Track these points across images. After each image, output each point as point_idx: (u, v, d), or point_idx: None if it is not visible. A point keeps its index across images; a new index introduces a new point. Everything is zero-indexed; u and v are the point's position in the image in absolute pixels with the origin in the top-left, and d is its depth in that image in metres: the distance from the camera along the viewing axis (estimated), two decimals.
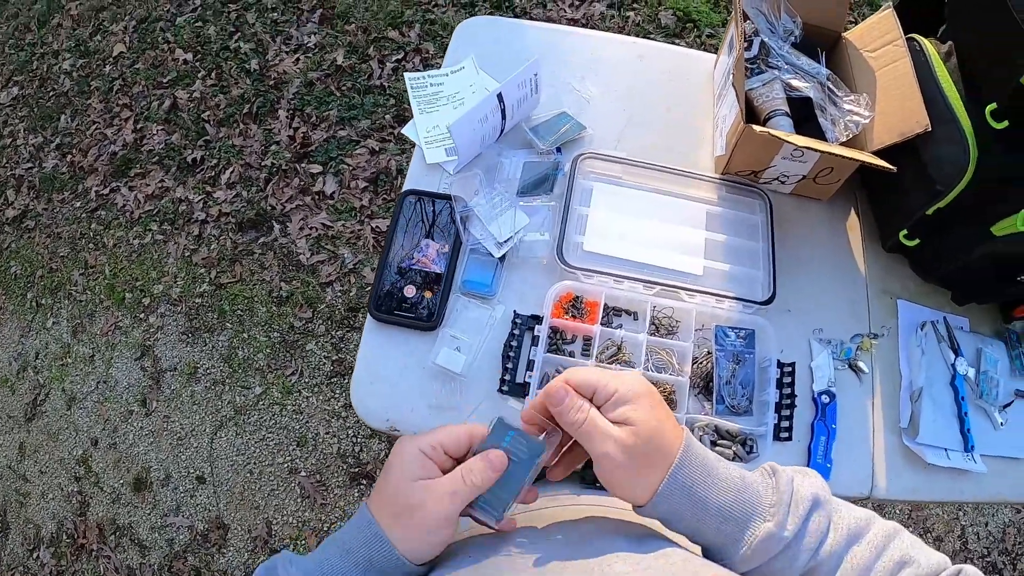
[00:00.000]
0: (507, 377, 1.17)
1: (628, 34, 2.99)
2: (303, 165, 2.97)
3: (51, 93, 3.53)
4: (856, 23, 1.35)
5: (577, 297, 1.20)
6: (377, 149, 2.94)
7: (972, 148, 1.09)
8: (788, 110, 1.29)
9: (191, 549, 2.57)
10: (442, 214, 1.28)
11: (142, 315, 2.91)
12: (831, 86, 1.30)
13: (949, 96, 1.14)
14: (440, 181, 1.33)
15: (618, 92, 1.46)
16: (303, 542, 2.49)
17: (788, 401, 1.17)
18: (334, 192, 2.90)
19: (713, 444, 1.13)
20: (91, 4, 3.68)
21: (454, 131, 1.20)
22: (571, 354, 1.19)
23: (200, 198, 3.03)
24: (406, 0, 3.25)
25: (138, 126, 3.26)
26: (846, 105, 1.27)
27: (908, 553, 0.66)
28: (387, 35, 3.16)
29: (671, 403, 1.15)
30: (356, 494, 2.53)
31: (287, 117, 3.08)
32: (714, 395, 1.16)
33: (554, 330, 1.19)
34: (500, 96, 1.23)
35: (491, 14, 3.07)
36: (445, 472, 0.68)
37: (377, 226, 2.82)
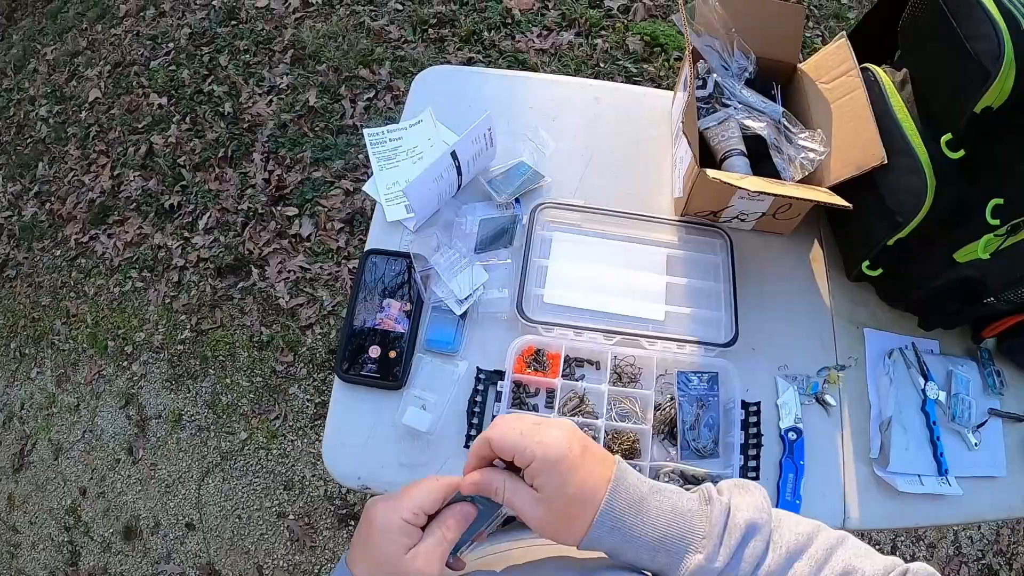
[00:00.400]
0: (472, 433, 1.18)
1: (597, 62, 3.03)
2: (279, 208, 2.97)
3: (28, 140, 3.53)
4: (822, 38, 1.36)
5: (539, 350, 1.21)
6: (351, 189, 2.95)
7: (930, 178, 1.11)
8: (744, 149, 1.31)
9: None
10: (405, 272, 1.29)
11: (125, 363, 2.90)
12: (786, 123, 1.32)
13: (905, 127, 1.15)
14: (401, 238, 1.35)
15: (576, 136, 1.47)
16: None
17: (755, 441, 1.18)
18: (311, 234, 2.90)
19: None
20: (66, 49, 3.69)
21: (409, 193, 1.21)
22: (535, 407, 1.20)
23: (178, 244, 3.03)
24: (376, 38, 3.27)
25: (115, 172, 3.26)
26: (801, 141, 1.28)
27: (851, 563, 0.67)
28: (358, 74, 3.17)
29: (635, 452, 1.16)
30: (345, 535, 2.52)
31: (262, 160, 3.09)
32: (678, 440, 1.17)
33: (517, 384, 1.20)
34: (454, 154, 1.24)
35: (460, 49, 3.11)
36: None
37: (354, 267, 2.81)
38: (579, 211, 1.34)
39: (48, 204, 3.32)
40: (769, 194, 1.15)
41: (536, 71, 2.96)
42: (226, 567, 2.56)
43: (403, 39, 3.25)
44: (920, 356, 1.29)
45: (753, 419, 1.19)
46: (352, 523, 2.53)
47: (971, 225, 1.12)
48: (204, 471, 2.68)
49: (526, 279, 1.24)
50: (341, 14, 3.37)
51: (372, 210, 2.75)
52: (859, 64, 1.25)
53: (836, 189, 1.22)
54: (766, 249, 1.36)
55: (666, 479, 1.14)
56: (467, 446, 1.18)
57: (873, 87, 1.22)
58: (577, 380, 1.20)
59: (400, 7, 3.34)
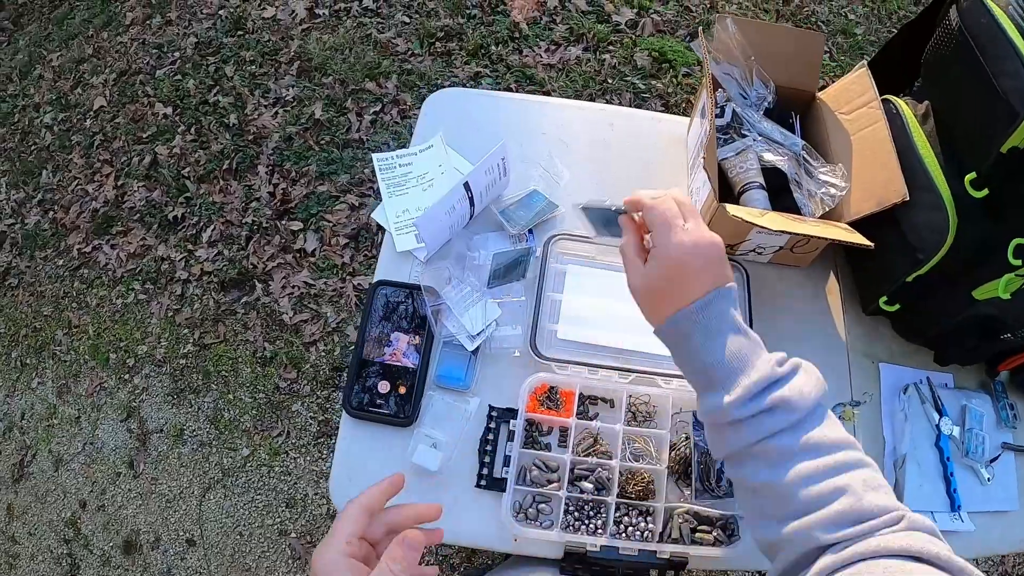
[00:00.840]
0: (484, 472, 1.16)
1: (605, 78, 3.01)
2: (284, 222, 2.96)
3: (33, 147, 3.51)
4: (829, 54, 1.34)
5: (552, 388, 1.19)
6: (357, 204, 2.93)
7: (952, 216, 1.09)
8: (763, 181, 1.28)
9: None
10: (414, 304, 1.27)
11: (127, 376, 2.89)
12: (806, 156, 1.30)
13: (927, 163, 1.13)
14: (411, 269, 1.32)
15: (590, 163, 1.45)
16: None
17: None
18: (315, 249, 2.88)
19: (693, 531, 1.11)
20: (71, 56, 3.67)
21: (420, 226, 1.19)
22: (547, 446, 1.18)
23: (182, 256, 3.01)
24: (383, 51, 3.25)
25: (119, 182, 3.24)
26: (822, 176, 1.26)
27: (854, 488, 0.70)
28: (364, 87, 3.15)
29: (649, 492, 1.14)
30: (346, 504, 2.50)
31: (267, 173, 3.07)
32: (692, 481, 1.14)
33: (530, 422, 1.18)
34: (467, 185, 1.22)
35: (467, 63, 3.10)
36: (368, 557, 0.74)
37: (359, 284, 2.81)
38: (593, 243, 1.31)
39: (51, 212, 3.30)
40: (789, 233, 1.13)
41: (544, 86, 2.95)
42: None
43: (410, 52, 3.23)
44: (935, 391, 1.27)
45: None
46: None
47: (992, 264, 1.09)
48: (205, 487, 2.66)
49: (539, 314, 1.22)
50: (348, 26, 3.35)
51: (378, 226, 2.78)
52: (879, 94, 1.23)
53: (855, 223, 1.20)
54: (782, 281, 1.34)
55: (679, 520, 1.12)
56: (479, 485, 1.15)
57: (895, 120, 1.20)
58: (591, 418, 1.18)
59: (407, 20, 3.32)
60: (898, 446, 1.23)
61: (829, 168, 1.26)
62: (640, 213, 0.89)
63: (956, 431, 1.24)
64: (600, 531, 1.11)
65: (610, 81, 3.07)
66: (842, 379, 1.28)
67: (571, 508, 1.13)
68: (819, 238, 1.15)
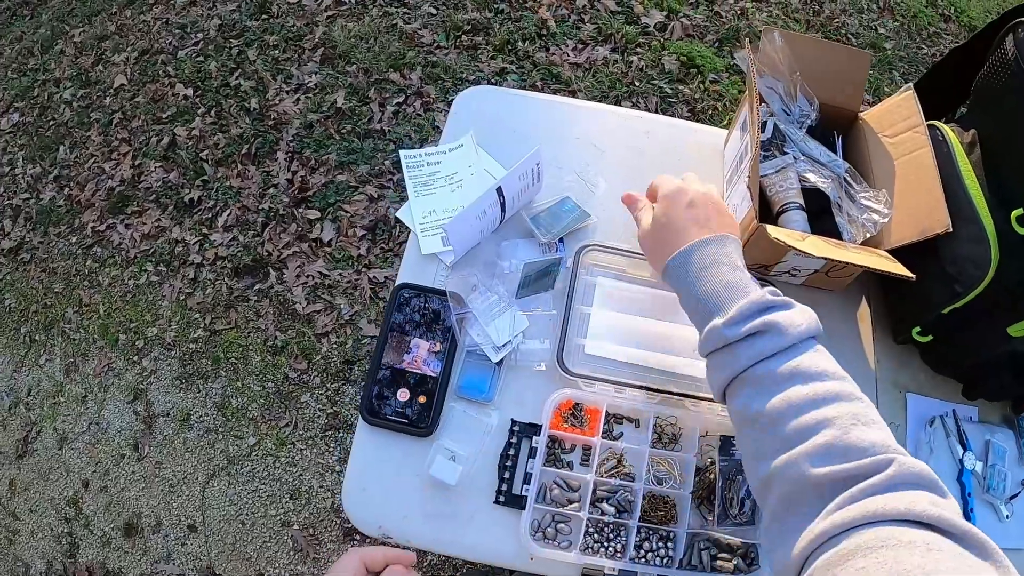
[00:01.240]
0: (504, 488, 1.13)
1: (632, 80, 2.98)
2: (301, 210, 2.93)
3: (51, 122, 3.50)
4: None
5: (577, 405, 1.16)
6: (376, 196, 2.90)
7: (994, 250, 1.05)
8: (803, 202, 1.25)
9: None
10: (439, 310, 1.24)
11: (135, 358, 2.87)
12: (849, 179, 1.26)
13: (972, 194, 1.09)
14: (436, 271, 1.29)
15: (623, 172, 1.41)
16: None
17: None
18: (331, 240, 2.86)
19: (713, 558, 1.09)
20: (94, 32, 3.66)
21: (450, 231, 1.15)
22: (569, 465, 1.15)
23: (197, 240, 2.99)
24: (408, 42, 3.23)
25: (136, 162, 3.22)
26: (864, 201, 1.22)
27: (841, 421, 0.72)
28: (388, 77, 3.13)
29: (672, 517, 1.11)
30: (349, 549, 2.47)
31: (286, 159, 3.05)
32: (716, 507, 1.11)
33: (553, 439, 1.15)
34: (500, 190, 1.18)
35: (493, 58, 3.07)
36: None
37: (374, 276, 2.78)
38: (625, 255, 1.28)
39: (67, 189, 3.29)
40: (830, 259, 1.09)
41: (569, 85, 2.92)
42: (226, 572, 2.53)
43: (436, 44, 3.20)
44: (960, 424, 1.24)
45: None
46: (357, 538, 2.49)
47: None
48: (210, 473, 2.65)
49: (568, 327, 1.18)
50: (374, 15, 3.32)
51: (396, 220, 2.75)
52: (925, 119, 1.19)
53: (894, 251, 1.17)
54: (814, 305, 1.28)
55: (700, 546, 1.09)
56: (497, 501, 1.12)
57: (940, 147, 1.16)
58: (616, 438, 1.15)
59: (434, 11, 3.29)
60: None
61: (872, 193, 1.22)
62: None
63: (979, 466, 1.21)
64: (619, 555, 1.08)
65: (637, 84, 3.03)
66: None
67: (591, 530, 1.10)
68: (863, 267, 1.11)
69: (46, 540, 2.72)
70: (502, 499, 1.12)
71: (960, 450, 1.21)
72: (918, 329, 1.20)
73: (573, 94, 2.94)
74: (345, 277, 2.81)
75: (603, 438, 1.14)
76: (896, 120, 1.24)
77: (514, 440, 1.15)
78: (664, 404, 1.16)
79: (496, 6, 3.28)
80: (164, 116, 3.29)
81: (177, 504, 2.65)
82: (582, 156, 1.42)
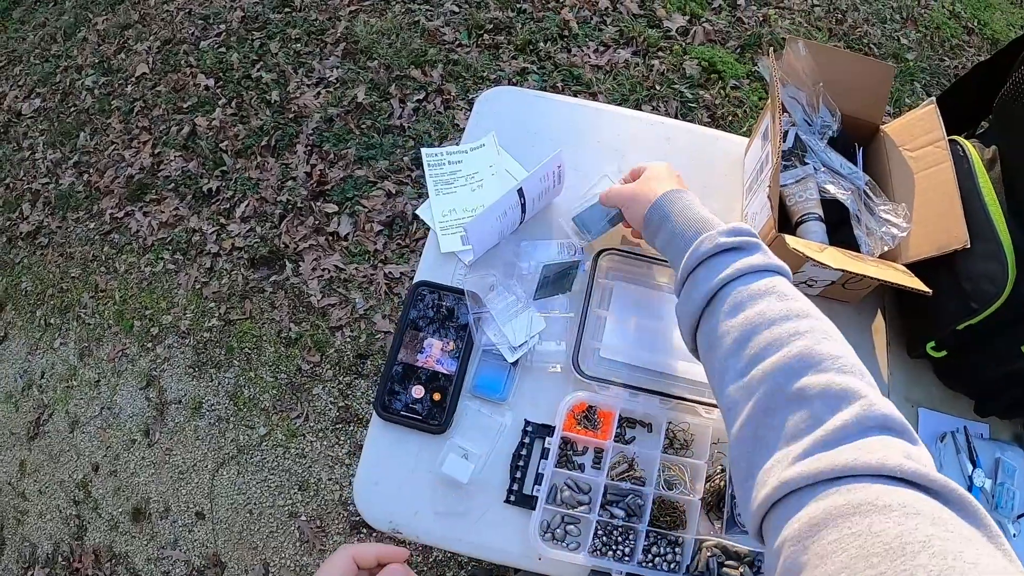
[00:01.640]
0: (515, 487, 1.13)
1: (652, 83, 2.98)
2: (319, 204, 2.94)
3: (72, 109, 3.52)
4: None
5: (591, 407, 1.16)
6: (394, 192, 2.91)
7: (1011, 268, 1.05)
8: (822, 213, 1.25)
9: None
10: (455, 309, 1.24)
11: (150, 344, 2.89)
12: (869, 192, 1.26)
13: (991, 211, 1.10)
14: (454, 270, 1.30)
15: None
16: None
17: None
18: (348, 234, 2.87)
19: (720, 565, 1.09)
20: (117, 21, 3.68)
21: (470, 230, 1.16)
22: (581, 467, 1.15)
23: (214, 230, 3.01)
24: (430, 39, 3.23)
25: (156, 150, 3.24)
26: (883, 214, 1.22)
27: (812, 332, 0.74)
28: (409, 74, 3.13)
29: (681, 522, 1.11)
30: (355, 543, 2.48)
31: (305, 153, 3.06)
32: (724, 514, 1.12)
33: (565, 441, 1.15)
34: (521, 191, 1.19)
35: (514, 58, 3.07)
36: None
37: (390, 272, 2.79)
38: (643, 260, 1.28)
39: (86, 175, 3.31)
40: (848, 272, 1.10)
41: (590, 87, 2.92)
42: (232, 560, 2.54)
43: (457, 42, 3.21)
44: (971, 441, 1.23)
45: None
46: (364, 531, 2.50)
47: None
48: (219, 462, 2.66)
49: (584, 330, 1.19)
50: (396, 11, 3.33)
51: (413, 216, 2.76)
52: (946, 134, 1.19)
53: (911, 265, 1.17)
54: (830, 316, 1.27)
55: (708, 553, 1.09)
56: (508, 500, 1.13)
57: (961, 163, 1.16)
58: (628, 441, 1.16)
59: (456, 9, 3.30)
60: None
61: (892, 207, 1.22)
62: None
63: (988, 484, 1.20)
64: (627, 558, 1.09)
65: (658, 88, 3.03)
66: None
67: (600, 532, 1.11)
68: (880, 280, 1.11)
69: (54, 522, 2.74)
70: (513, 499, 1.13)
71: (970, 467, 1.21)
72: (932, 344, 1.20)
73: (593, 96, 2.94)
74: (361, 271, 2.82)
75: (615, 441, 1.14)
76: (918, 134, 1.24)
77: (527, 440, 1.16)
78: (677, 410, 1.16)
79: (519, 6, 3.28)
80: (185, 106, 3.31)
81: (186, 491, 2.66)
82: (603, 160, 1.43)
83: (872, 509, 0.55)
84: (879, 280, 1.11)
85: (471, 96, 3.04)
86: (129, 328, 2.93)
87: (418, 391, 1.17)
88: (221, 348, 2.82)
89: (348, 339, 2.74)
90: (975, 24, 3.34)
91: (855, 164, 1.32)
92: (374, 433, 1.19)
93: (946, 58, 3.23)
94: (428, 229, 1.34)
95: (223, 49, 3.41)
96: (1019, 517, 1.20)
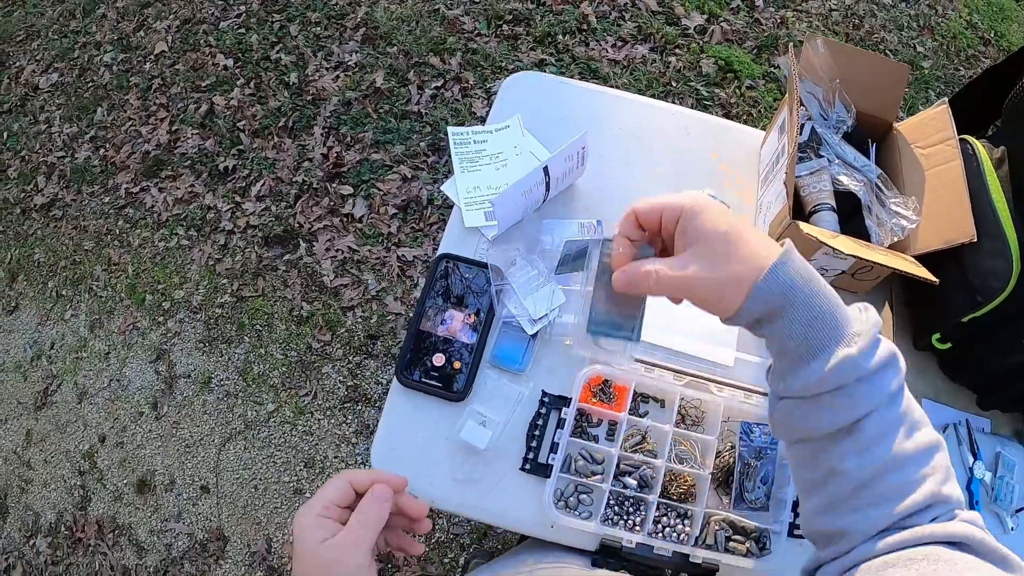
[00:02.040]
0: (530, 456, 1.17)
1: (669, 80, 3.00)
2: (334, 185, 2.97)
3: (90, 84, 3.54)
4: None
5: (606, 381, 1.19)
6: (410, 176, 2.94)
7: (1016, 263, 1.09)
8: (834, 204, 1.28)
9: (189, 557, 2.57)
10: (476, 281, 1.28)
11: (161, 319, 2.92)
12: (880, 185, 1.29)
13: (998, 208, 1.13)
14: (477, 245, 1.33)
15: (661, 165, 1.45)
16: None
17: None
18: (363, 216, 2.90)
19: (727, 539, 1.12)
20: None
21: (496, 205, 1.19)
22: (595, 438, 1.19)
23: (229, 207, 3.04)
24: (449, 27, 3.26)
25: (173, 127, 3.27)
26: (894, 207, 1.25)
27: (937, 474, 0.66)
28: (428, 61, 3.16)
29: (690, 496, 1.15)
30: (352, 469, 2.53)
31: (322, 135, 3.09)
32: (733, 490, 1.15)
33: (581, 412, 1.19)
34: (546, 169, 1.22)
35: (533, 49, 3.09)
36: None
37: (403, 255, 2.82)
38: None
39: (102, 150, 3.34)
40: (860, 258, 1.13)
41: (607, 81, 2.95)
42: (235, 534, 2.57)
43: (476, 32, 3.24)
44: (972, 434, 1.26)
45: None
46: None
47: None
48: (226, 437, 2.69)
49: None
50: None
51: (429, 199, 2.79)
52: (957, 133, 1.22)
53: (919, 257, 1.20)
54: None
55: (715, 527, 1.13)
56: (524, 468, 1.16)
57: (970, 161, 1.19)
58: (642, 415, 1.19)
59: None
60: None
61: (902, 200, 1.26)
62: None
63: (988, 477, 1.23)
64: (638, 528, 1.12)
65: (674, 84, 3.06)
66: None
67: (612, 502, 1.14)
68: (888, 267, 1.14)
69: (58, 491, 2.77)
70: (528, 467, 1.16)
71: (971, 459, 1.24)
72: (938, 336, 1.23)
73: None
74: (374, 253, 2.85)
75: (630, 415, 1.17)
76: (929, 132, 1.27)
77: (543, 410, 1.19)
78: (690, 387, 1.19)
79: None
80: (203, 85, 3.33)
81: (192, 465, 2.69)
82: (623, 148, 1.46)
83: (938, 559, 0.60)
84: (889, 267, 1.14)
85: (488, 85, 3.07)
86: (141, 302, 2.96)
87: (439, 359, 1.21)
88: (232, 324, 2.85)
89: (359, 319, 2.77)
90: (992, 35, 3.36)
91: (868, 158, 1.35)
92: (394, 400, 1.22)
93: (961, 68, 3.25)
94: (453, 207, 1.37)
95: (243, 30, 3.43)
96: (1018, 511, 1.23)
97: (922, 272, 1.14)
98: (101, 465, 2.76)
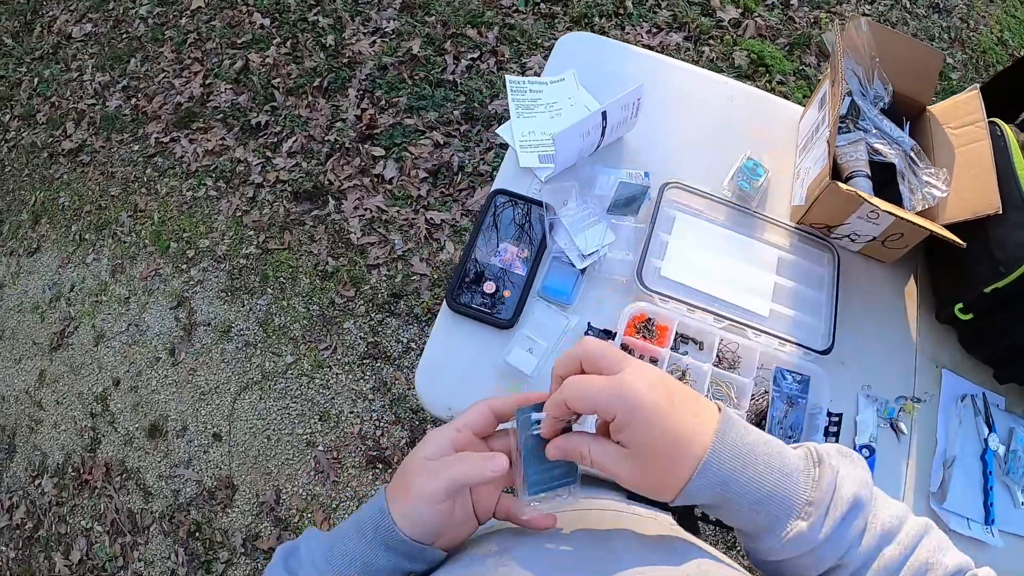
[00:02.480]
0: None
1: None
2: (366, 146, 3.01)
3: (124, 36, 3.58)
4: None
5: (649, 319, 1.24)
6: (442, 143, 2.98)
7: None
8: (869, 172, 1.33)
9: (195, 503, 2.60)
10: (527, 217, 1.32)
11: (184, 266, 2.96)
12: (913, 156, 1.34)
13: (1023, 183, 1.18)
14: (530, 185, 1.38)
15: (705, 128, 1.50)
16: (310, 516, 2.51)
17: None
18: (393, 178, 2.94)
19: None
20: None
21: (558, 141, 1.24)
22: None
23: (259, 162, 3.08)
24: (488, 2, 3.30)
25: (207, 81, 3.31)
26: (925, 177, 1.30)
27: (934, 556, 0.65)
28: (465, 32, 3.20)
29: None
30: (370, 477, 2.55)
31: (357, 97, 3.13)
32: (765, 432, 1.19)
33: (624, 346, 1.23)
34: (604, 115, 1.27)
35: (569, 28, 3.14)
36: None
37: (431, 218, 2.86)
38: (704, 197, 1.36)
39: (134, 100, 3.38)
40: (894, 215, 1.18)
41: None
42: (245, 484, 2.60)
43: (514, 8, 3.28)
44: (988, 406, 1.31)
45: (834, 428, 1.21)
46: (380, 467, 2.56)
47: None
48: (242, 386, 2.72)
49: (648, 250, 1.27)
50: None
51: (459, 166, 2.83)
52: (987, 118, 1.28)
53: (947, 227, 1.25)
54: (867, 274, 1.39)
55: None
56: None
57: (998, 141, 1.25)
58: (682, 355, 1.23)
59: None
60: (949, 448, 1.27)
61: (933, 171, 1.31)
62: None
63: (1001, 449, 1.27)
64: None
65: None
66: (908, 375, 1.32)
67: None
68: (919, 225, 1.19)
69: (68, 433, 2.81)
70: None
71: (986, 430, 1.28)
72: (960, 306, 1.27)
73: None
74: (402, 215, 2.88)
75: (672, 352, 1.22)
76: (961, 115, 1.34)
77: None
78: (728, 330, 1.24)
79: None
80: (239, 41, 3.37)
81: (205, 412, 2.72)
82: (670, 108, 1.51)
83: None
84: (921, 226, 1.19)
85: (524, 60, 3.11)
86: (165, 249, 3.00)
87: (489, 287, 1.25)
88: (256, 275, 2.89)
89: (384, 278, 2.81)
90: (1022, 53, 3.39)
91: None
92: (441, 324, 1.26)
93: None
94: (472, 181, 1.41)
95: None
96: None
97: (950, 235, 1.19)
98: (113, 408, 2.79)
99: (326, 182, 2.98)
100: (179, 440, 2.70)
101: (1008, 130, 1.25)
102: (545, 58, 2.90)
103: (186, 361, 2.80)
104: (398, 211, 2.89)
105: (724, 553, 0.72)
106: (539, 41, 3.17)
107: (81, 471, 2.73)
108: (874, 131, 1.37)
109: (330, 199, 2.95)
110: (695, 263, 1.31)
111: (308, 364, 2.71)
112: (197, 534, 2.56)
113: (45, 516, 2.70)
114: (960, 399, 1.31)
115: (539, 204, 1.32)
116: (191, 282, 2.92)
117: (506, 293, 1.25)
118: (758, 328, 1.23)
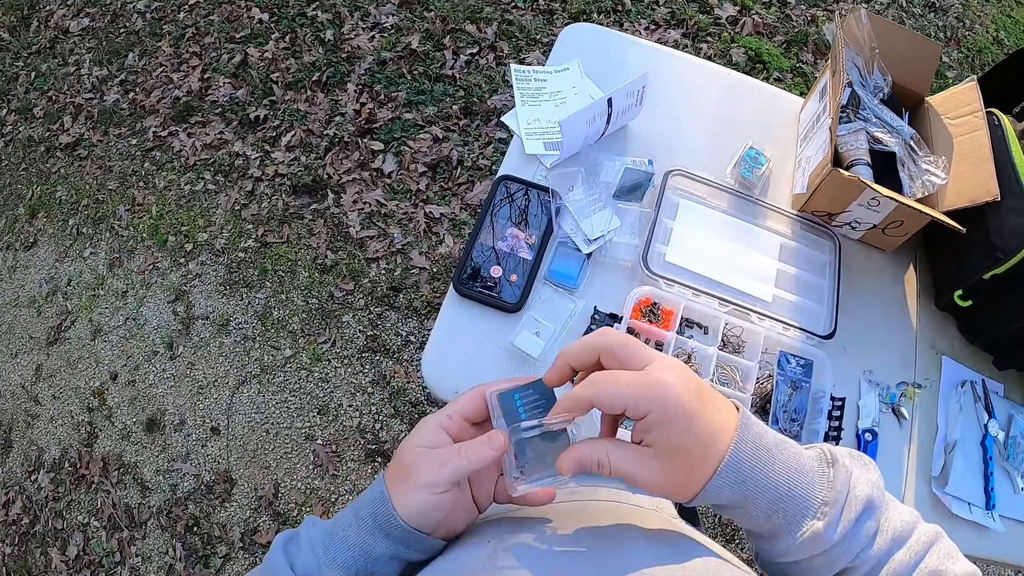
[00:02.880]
0: None
1: None
2: (365, 140, 3.02)
3: (122, 30, 3.58)
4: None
5: (655, 303, 1.25)
6: (441, 137, 2.99)
7: None
8: (869, 160, 1.35)
9: (194, 498, 2.60)
10: (532, 203, 1.33)
11: (182, 260, 2.95)
12: (913, 144, 1.36)
13: (1021, 171, 1.20)
14: (535, 172, 1.39)
15: (707, 118, 1.51)
16: (309, 509, 2.51)
17: (835, 433, 1.21)
18: (392, 172, 2.94)
19: None
20: None
21: (564, 127, 1.25)
22: None
23: (258, 156, 3.08)
24: None
25: (205, 76, 3.31)
26: (924, 165, 1.32)
27: (943, 563, 0.65)
28: (464, 28, 3.22)
29: None
30: (369, 470, 2.55)
31: (356, 91, 3.13)
32: (770, 417, 1.20)
33: (629, 330, 1.24)
34: (609, 101, 1.28)
35: (567, 24, 3.12)
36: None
37: (431, 212, 2.86)
38: (707, 184, 1.38)
39: (132, 94, 3.38)
40: (895, 200, 1.19)
41: None
42: (243, 478, 2.60)
43: (513, 4, 3.30)
44: (988, 393, 1.32)
45: (837, 413, 1.23)
46: (379, 460, 2.56)
47: None
48: (241, 380, 2.72)
49: (653, 235, 1.28)
50: None
51: (458, 160, 2.84)
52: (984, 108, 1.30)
53: (946, 214, 1.26)
54: (868, 261, 1.40)
55: None
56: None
57: (996, 130, 1.27)
58: (688, 339, 1.24)
59: None
60: (949, 433, 1.28)
61: (932, 159, 1.33)
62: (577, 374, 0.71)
63: (1001, 435, 1.29)
64: None
65: None
66: (908, 361, 1.33)
67: None
68: (918, 211, 1.21)
69: (65, 427, 2.79)
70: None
71: (986, 416, 1.29)
72: (960, 293, 1.29)
73: None
74: (402, 208, 2.89)
75: (677, 335, 1.23)
76: (958, 105, 1.36)
77: (594, 327, 1.23)
78: (732, 314, 1.25)
79: None
80: (238, 36, 3.38)
81: (203, 406, 2.72)
82: (673, 98, 1.52)
83: None
84: (921, 212, 1.20)
85: (523, 56, 3.13)
86: (163, 242, 3.00)
87: (496, 271, 1.26)
88: (255, 269, 2.89)
89: (383, 271, 2.81)
90: None
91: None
92: (448, 308, 1.27)
93: None
94: (471, 175, 1.42)
95: None
96: None
97: (951, 221, 1.21)
98: (111, 403, 2.78)
99: (325, 176, 2.98)
100: (177, 434, 2.69)
101: (1006, 119, 1.28)
102: (544, 54, 2.92)
103: (184, 355, 2.79)
104: (397, 205, 2.89)
105: (723, 547, 0.72)
106: (538, 37, 3.18)
107: (78, 466, 2.72)
108: (874, 120, 1.39)
109: (329, 193, 2.95)
110: (699, 249, 1.32)
111: (306, 357, 2.71)
112: (195, 529, 2.55)
113: (41, 511, 2.68)
114: (960, 385, 1.32)
115: (545, 190, 1.33)
116: (189, 276, 2.92)
117: (512, 277, 1.26)
118: (762, 313, 1.25)
